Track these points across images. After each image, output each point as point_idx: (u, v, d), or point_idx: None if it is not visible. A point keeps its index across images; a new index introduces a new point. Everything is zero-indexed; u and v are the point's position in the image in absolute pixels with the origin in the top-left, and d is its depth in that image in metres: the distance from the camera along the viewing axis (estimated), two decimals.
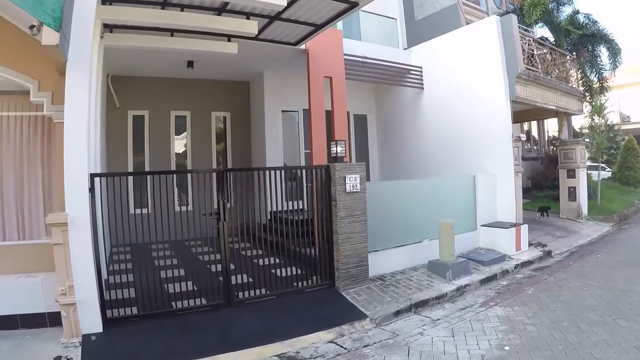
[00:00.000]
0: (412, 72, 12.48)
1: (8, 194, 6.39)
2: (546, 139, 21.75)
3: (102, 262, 5.87)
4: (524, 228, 9.81)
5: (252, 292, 6.60)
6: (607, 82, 17.75)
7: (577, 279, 7.66)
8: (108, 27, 7.56)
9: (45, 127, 6.49)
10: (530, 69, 11.31)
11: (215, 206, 6.39)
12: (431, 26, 13.37)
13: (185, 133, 12.16)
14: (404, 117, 13.22)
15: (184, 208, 6.75)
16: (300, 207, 8.28)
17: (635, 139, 20.74)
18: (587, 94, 16.71)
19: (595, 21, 16.86)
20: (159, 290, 6.08)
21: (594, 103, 16.81)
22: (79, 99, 5.30)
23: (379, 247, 8.00)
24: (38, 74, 5.90)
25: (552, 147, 19.84)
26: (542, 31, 18.40)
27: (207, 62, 10.28)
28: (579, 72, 15.65)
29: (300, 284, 7.07)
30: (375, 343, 5.40)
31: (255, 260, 7.43)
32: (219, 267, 6.48)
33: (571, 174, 13.82)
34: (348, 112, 12.29)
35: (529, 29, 14.44)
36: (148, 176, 7.39)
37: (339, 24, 11.21)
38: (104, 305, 5.57)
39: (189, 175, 8.65)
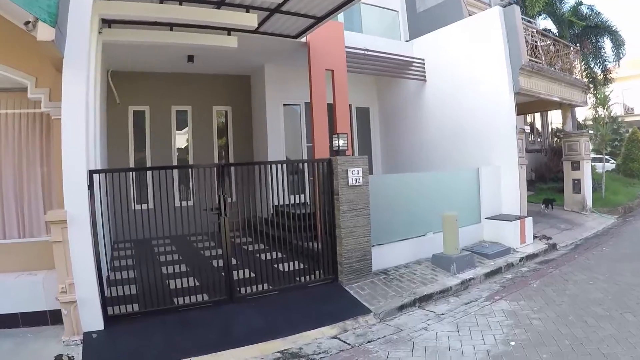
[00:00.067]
0: (414, 64, 12.36)
1: (8, 192, 6.36)
2: (550, 131, 21.59)
3: (103, 259, 5.81)
4: (529, 221, 9.72)
5: (254, 287, 6.55)
6: (610, 73, 17.60)
7: (583, 272, 7.58)
8: (106, 23, 7.47)
9: (44, 124, 6.45)
10: (533, 61, 11.18)
11: (216, 201, 6.33)
12: (433, 18, 13.20)
13: (186, 128, 12.09)
14: (407, 110, 13.11)
15: (186, 203, 6.71)
16: (303, 200, 8.22)
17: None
18: (591, 85, 16.56)
19: (599, 12, 16.70)
20: (160, 287, 6.03)
21: (598, 95, 16.67)
22: (76, 95, 5.25)
23: (382, 241, 7.94)
24: (35, 70, 5.85)
25: (556, 139, 19.70)
26: (544, 23, 18.26)
27: (207, 57, 10.19)
28: (582, 64, 15.50)
29: (303, 278, 7.01)
30: (379, 338, 5.35)
31: (258, 255, 7.38)
32: (221, 263, 6.43)
33: (575, 166, 13.71)
34: (350, 105, 12.20)
35: (532, 20, 14.29)
36: (148, 172, 7.34)
37: (340, 17, 11.11)
38: (105, 302, 5.54)
39: (190, 170, 8.60)
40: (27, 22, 4.79)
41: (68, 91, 5.21)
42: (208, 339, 5.27)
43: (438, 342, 5.11)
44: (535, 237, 9.91)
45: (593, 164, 15.28)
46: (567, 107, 14.43)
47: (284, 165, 7.17)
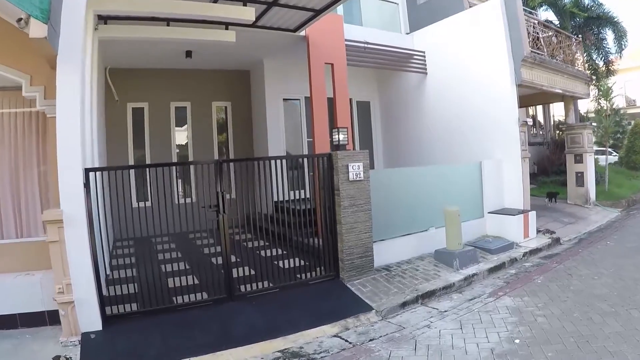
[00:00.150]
0: (415, 57, 12.22)
1: (5, 192, 6.31)
2: (552, 123, 21.48)
3: (101, 258, 5.73)
4: (532, 215, 9.62)
5: (254, 285, 6.48)
6: (613, 65, 17.46)
7: (587, 267, 7.50)
8: (102, 19, 7.37)
9: (40, 123, 6.38)
10: (535, 52, 11.04)
11: (215, 198, 6.25)
12: (433, 10, 13.04)
13: (186, 125, 11.99)
14: (408, 103, 12.99)
15: (186, 200, 6.65)
16: (304, 196, 8.13)
17: None
18: (593, 77, 16.43)
19: (601, 3, 16.60)
20: (159, 286, 5.96)
21: (600, 86, 16.53)
22: (70, 93, 5.17)
23: (384, 237, 7.85)
24: (30, 68, 5.79)
25: (558, 131, 19.58)
26: (546, 14, 18.10)
27: (205, 52, 10.10)
28: (584, 56, 15.36)
29: (304, 276, 6.93)
30: (381, 337, 5.27)
31: (258, 252, 7.31)
32: (221, 260, 6.36)
33: (578, 158, 13.59)
34: (351, 99, 12.07)
35: (533, 11, 14.15)
36: (147, 169, 7.26)
37: (339, 9, 11.00)
38: (103, 302, 5.47)
39: (190, 166, 8.54)
40: (20, 19, 4.70)
41: (62, 89, 5.13)
42: (207, 339, 5.20)
43: (441, 340, 5.03)
44: (538, 231, 9.81)
45: (595, 156, 15.15)
46: (569, 100, 14.29)
47: (283, 161, 7.08)
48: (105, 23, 7.46)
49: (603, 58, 17.31)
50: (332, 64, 9.75)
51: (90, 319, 5.24)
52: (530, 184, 11.47)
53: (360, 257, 7.15)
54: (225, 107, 12.51)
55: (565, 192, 13.94)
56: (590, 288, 6.42)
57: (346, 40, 10.08)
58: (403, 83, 13.06)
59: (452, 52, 11.49)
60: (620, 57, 17.46)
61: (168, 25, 7.87)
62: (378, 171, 11.46)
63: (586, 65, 15.57)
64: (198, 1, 7.16)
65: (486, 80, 10.54)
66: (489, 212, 9.74)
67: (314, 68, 9.41)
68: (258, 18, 8.08)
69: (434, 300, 6.44)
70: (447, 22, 11.67)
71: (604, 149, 16.25)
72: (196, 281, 6.52)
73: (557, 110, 20.33)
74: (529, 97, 14.15)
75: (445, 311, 5.98)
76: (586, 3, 16.55)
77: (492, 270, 7.60)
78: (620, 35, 16.48)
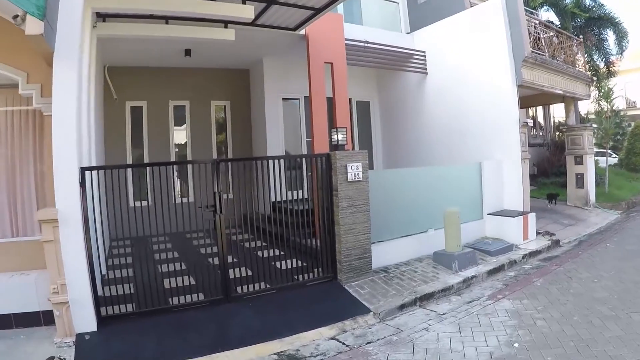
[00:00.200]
0: (415, 56, 12.17)
1: (1, 191, 6.24)
2: (552, 124, 21.43)
3: (96, 258, 5.67)
4: (532, 216, 9.57)
5: (251, 286, 6.42)
6: (614, 66, 17.41)
7: (587, 270, 7.44)
8: (101, 17, 7.32)
9: (37, 121, 6.31)
10: (536, 53, 10.98)
11: (212, 198, 6.20)
12: (434, 9, 12.98)
13: (184, 124, 11.93)
14: (408, 103, 12.93)
15: (184, 200, 6.59)
16: (303, 196, 8.08)
17: None
18: (594, 78, 16.38)
19: (602, 4, 16.53)
20: (155, 286, 5.90)
21: (601, 88, 16.47)
22: (67, 90, 5.12)
23: (382, 238, 7.79)
24: (26, 65, 5.74)
25: (558, 133, 19.53)
26: (546, 15, 18.04)
27: (204, 50, 10.05)
28: (585, 56, 15.31)
29: (301, 277, 6.87)
30: (378, 340, 5.21)
31: (256, 253, 7.25)
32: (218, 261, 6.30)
33: (579, 160, 13.53)
34: (350, 99, 12.04)
35: (534, 11, 14.09)
36: (146, 168, 7.22)
37: (340, 8, 10.95)
38: (98, 303, 5.41)
39: (188, 166, 8.49)
40: (16, 16, 4.67)
41: (59, 86, 5.09)
42: (203, 341, 5.15)
43: (439, 344, 4.97)
44: (538, 233, 9.76)
45: (595, 158, 15.10)
46: (570, 101, 14.23)
47: (281, 161, 7.02)
48: (104, 21, 7.41)
49: (604, 59, 17.26)
50: (331, 63, 9.70)
51: (85, 320, 5.18)
52: (530, 185, 11.42)
53: (359, 259, 7.09)
54: (225, 106, 12.46)
55: (565, 194, 13.88)
56: (590, 291, 6.36)
57: (346, 39, 10.02)
58: (403, 83, 13.01)
59: (452, 52, 11.44)
60: (621, 58, 17.41)
61: (167, 23, 7.82)
62: (377, 172, 11.40)
63: (587, 66, 15.52)
64: None
65: (487, 80, 10.49)
66: (488, 214, 9.68)
67: (313, 67, 9.36)
68: (257, 16, 8.05)
69: (432, 302, 6.38)
70: (448, 21, 11.62)
71: (604, 150, 16.20)
72: (192, 282, 6.46)
73: (558, 112, 20.27)
74: (529, 98, 14.10)
75: (444, 314, 5.93)
76: (587, 3, 16.50)
77: (491, 272, 7.55)
78: (621, 36, 16.44)
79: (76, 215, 5.11)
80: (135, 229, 5.83)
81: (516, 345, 4.77)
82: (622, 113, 24.28)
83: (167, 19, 7.74)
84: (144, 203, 6.00)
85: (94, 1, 6.31)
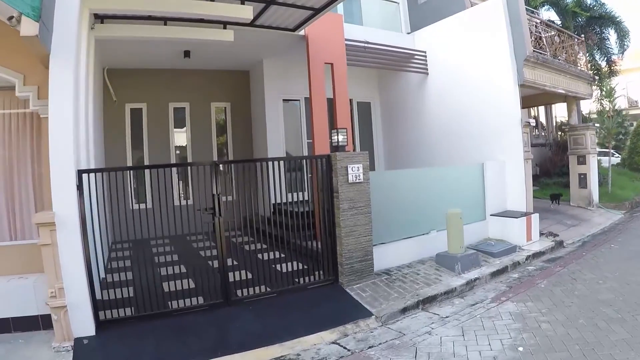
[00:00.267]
0: (415, 57, 12.10)
1: None
2: (554, 124, 21.35)
3: (94, 262, 5.62)
4: (535, 217, 9.48)
5: (251, 289, 6.34)
6: (615, 65, 17.33)
7: (592, 271, 7.35)
8: (99, 18, 7.28)
9: (34, 123, 6.27)
10: (538, 52, 10.91)
11: (211, 200, 6.13)
12: (435, 9, 12.92)
13: (185, 127, 11.88)
14: (409, 104, 12.86)
15: (184, 202, 6.53)
16: (303, 198, 8.02)
17: None
18: (596, 77, 16.30)
19: (603, 3, 16.46)
20: (155, 290, 5.84)
21: (603, 87, 16.39)
22: (63, 92, 5.08)
23: (384, 240, 7.72)
24: (23, 67, 5.70)
25: (560, 132, 19.45)
26: (548, 14, 17.97)
27: (204, 52, 10.01)
28: (587, 56, 15.23)
29: (302, 280, 6.80)
30: (380, 344, 5.13)
31: (256, 255, 7.18)
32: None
33: (581, 160, 13.46)
34: (351, 100, 11.98)
35: (535, 10, 14.01)
36: (146, 170, 7.16)
37: (339, 8, 10.90)
38: (97, 307, 5.35)
39: (188, 168, 8.43)
40: (11, 17, 4.60)
41: (55, 88, 5.04)
42: (202, 345, 5.08)
43: (442, 348, 4.89)
44: (541, 234, 9.67)
45: (598, 158, 15.02)
46: (572, 100, 14.16)
47: (282, 162, 6.96)
48: (102, 22, 7.37)
49: (605, 58, 17.19)
50: (332, 64, 9.64)
51: (83, 324, 5.13)
52: (533, 185, 11.34)
53: (360, 261, 7.01)
54: (225, 108, 12.41)
55: (567, 194, 13.80)
56: (595, 293, 6.28)
57: (346, 39, 9.97)
58: (404, 83, 12.93)
59: (453, 51, 11.37)
60: (622, 57, 17.34)
61: (165, 24, 7.77)
62: (378, 173, 11.34)
63: (589, 65, 15.45)
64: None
65: (488, 80, 10.41)
66: (491, 215, 9.60)
67: (313, 68, 9.30)
68: (256, 17, 8.00)
69: (435, 305, 6.30)
70: (449, 21, 11.55)
71: (607, 150, 16.10)
72: (192, 285, 6.40)
73: (560, 111, 20.19)
74: (531, 98, 14.02)
75: (447, 317, 5.84)
76: (588, 3, 16.42)
77: (495, 274, 7.46)
78: (623, 35, 16.37)
79: (73, 218, 5.06)
80: (134, 231, 5.75)
81: (520, 349, 4.69)
82: (624, 112, 24.17)
83: (165, 20, 7.71)
84: (144, 205, 5.91)
85: (91, 2, 6.27)
